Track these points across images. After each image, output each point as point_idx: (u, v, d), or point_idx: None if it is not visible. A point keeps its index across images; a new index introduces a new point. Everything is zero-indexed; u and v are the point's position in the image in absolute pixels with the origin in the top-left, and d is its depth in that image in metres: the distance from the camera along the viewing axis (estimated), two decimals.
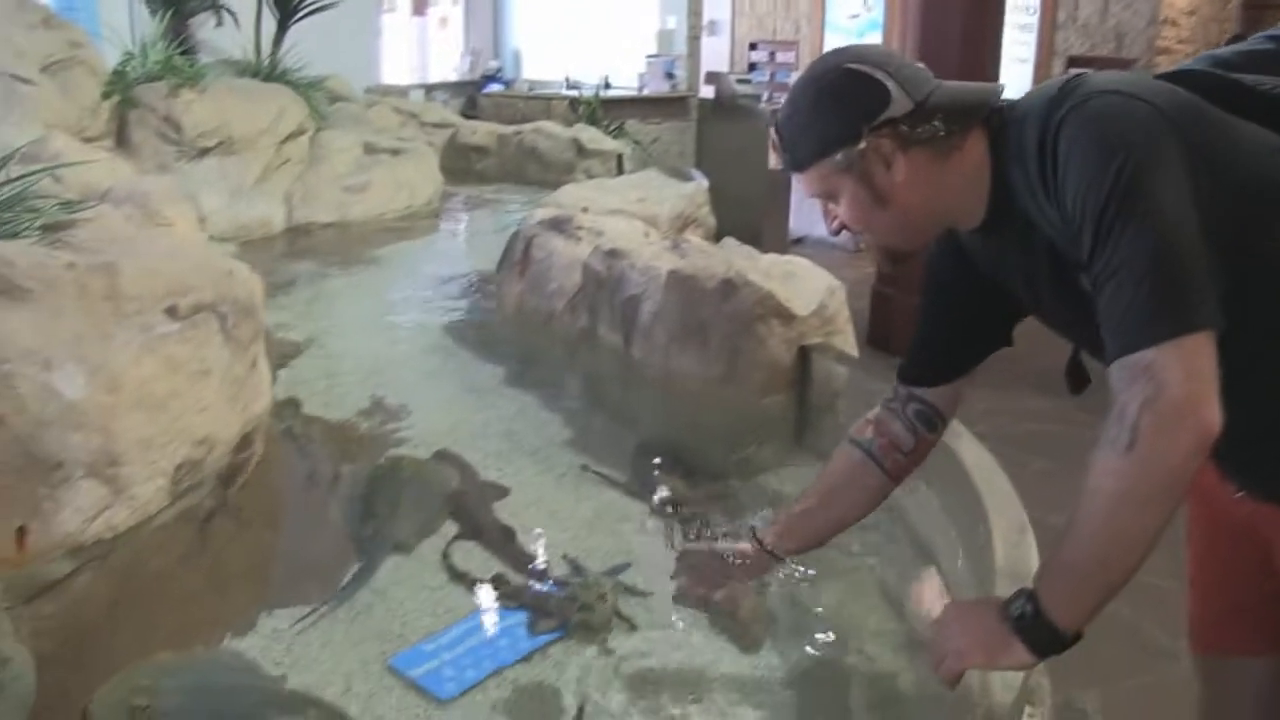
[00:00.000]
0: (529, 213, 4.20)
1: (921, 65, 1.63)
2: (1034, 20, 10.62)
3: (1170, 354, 1.32)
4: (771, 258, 3.30)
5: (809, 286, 3.12)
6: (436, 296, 4.38)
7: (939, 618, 1.61)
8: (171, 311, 2.33)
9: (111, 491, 2.17)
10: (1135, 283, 1.35)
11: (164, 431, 2.28)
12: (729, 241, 3.58)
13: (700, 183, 5.12)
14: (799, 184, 1.70)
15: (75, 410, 2.06)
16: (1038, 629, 1.42)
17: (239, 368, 2.59)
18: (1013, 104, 1.59)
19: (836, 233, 1.71)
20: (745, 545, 2.06)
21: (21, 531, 2.04)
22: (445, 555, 2.42)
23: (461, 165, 7.16)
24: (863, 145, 1.56)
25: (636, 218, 4.25)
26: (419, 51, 12.68)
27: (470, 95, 10.27)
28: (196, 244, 2.67)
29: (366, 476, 2.72)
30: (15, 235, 2.37)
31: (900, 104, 1.55)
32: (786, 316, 2.97)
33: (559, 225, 3.83)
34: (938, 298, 1.85)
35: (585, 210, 4.18)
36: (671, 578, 2.14)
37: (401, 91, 8.99)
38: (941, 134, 1.57)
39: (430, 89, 9.78)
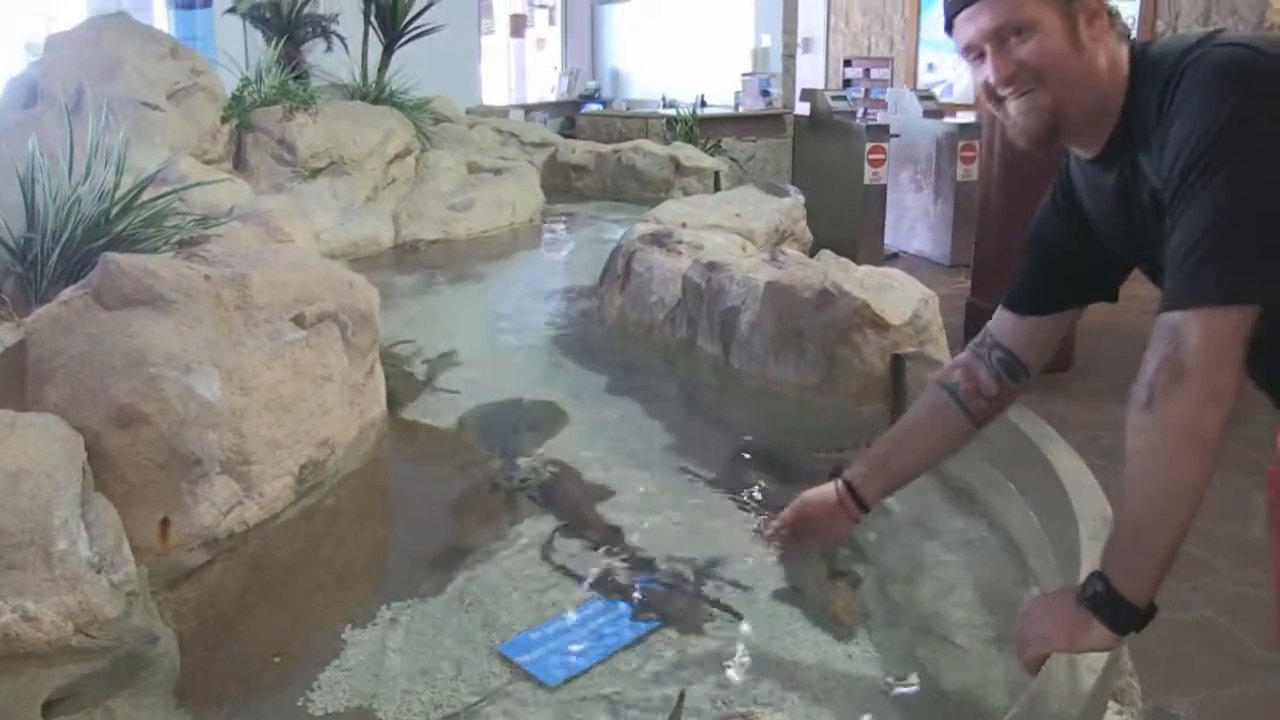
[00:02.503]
0: (629, 228, 4.32)
1: None
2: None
3: (1198, 321, 1.37)
4: (866, 269, 3.38)
5: (903, 296, 3.19)
6: (540, 309, 4.51)
7: (1023, 608, 1.67)
8: (298, 320, 2.49)
9: (243, 488, 2.33)
10: (1195, 240, 1.39)
11: (290, 433, 2.44)
12: (825, 254, 3.67)
13: (796, 198, 5.20)
14: (979, 18, 1.62)
15: (212, 411, 2.22)
16: (1111, 605, 1.46)
17: (357, 374, 2.74)
18: (1153, 42, 1.61)
19: (1008, 79, 1.62)
20: (827, 489, 2.05)
21: (164, 523, 2.21)
22: (547, 551, 2.53)
23: (561, 183, 7.33)
24: None
25: (734, 232, 4.36)
26: (517, 72, 12.95)
27: (568, 115, 10.46)
28: (318, 257, 2.82)
29: None
30: (156, 250, 2.56)
31: None
32: (881, 326, 3.04)
33: (659, 240, 3.95)
34: (1043, 241, 1.86)
35: (684, 225, 4.30)
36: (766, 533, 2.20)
37: (502, 112, 9.20)
38: (1111, 18, 1.60)
39: (529, 109, 9.98)
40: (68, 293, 2.32)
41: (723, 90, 9.82)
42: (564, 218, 6.57)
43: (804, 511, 2.07)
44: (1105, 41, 1.59)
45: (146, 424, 2.13)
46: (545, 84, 12.64)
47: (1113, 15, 1.60)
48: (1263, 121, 1.40)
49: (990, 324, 1.92)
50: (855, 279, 3.21)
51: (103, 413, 2.13)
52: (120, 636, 1.99)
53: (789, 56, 9.49)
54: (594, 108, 10.45)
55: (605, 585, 2.38)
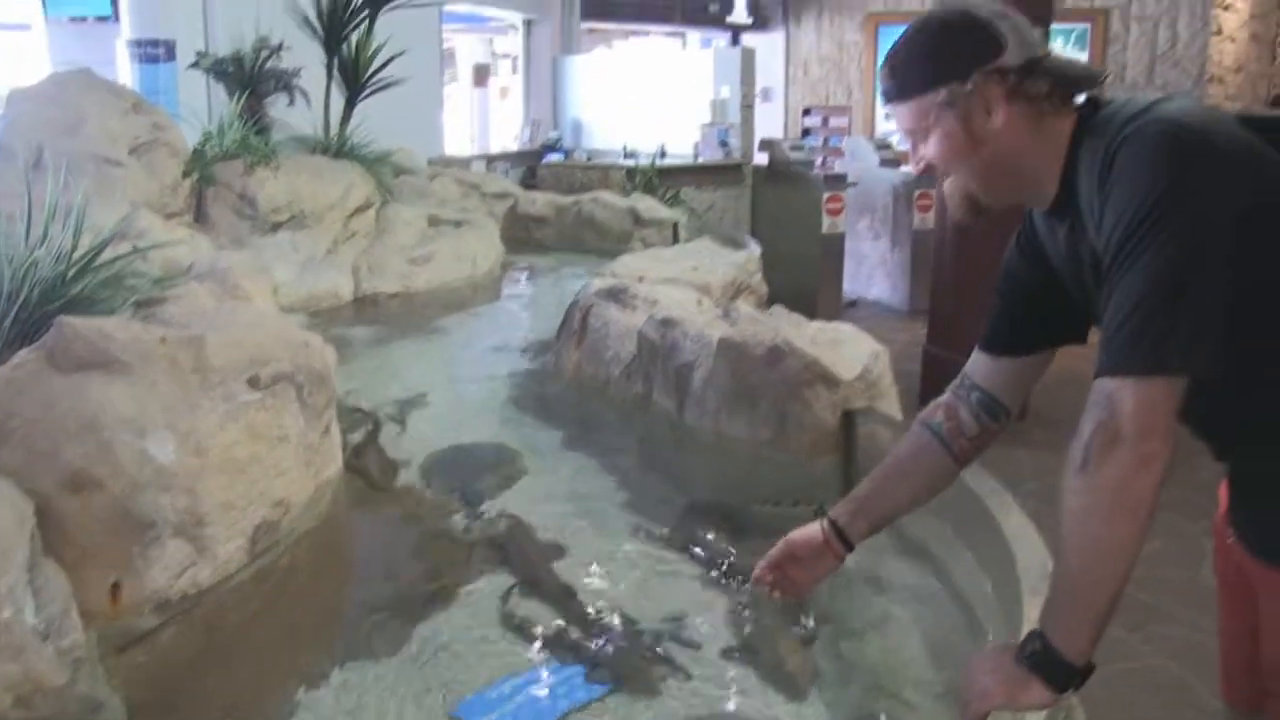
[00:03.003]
0: (586, 283, 4.36)
1: (1036, 31, 1.68)
2: None
3: (1131, 388, 1.42)
4: (818, 325, 3.43)
5: (854, 352, 3.23)
6: (499, 363, 4.53)
7: (966, 665, 1.70)
8: (253, 381, 2.50)
9: (196, 550, 2.34)
10: (1129, 309, 1.44)
11: (244, 494, 2.45)
12: (777, 309, 3.72)
13: (753, 250, 5.26)
14: (895, 116, 1.74)
15: (166, 474, 2.23)
16: (1049, 663, 1.49)
17: (313, 434, 2.76)
18: (1107, 101, 1.63)
19: (921, 172, 1.87)
20: (813, 529, 2.06)
21: (115, 587, 2.21)
22: (502, 609, 2.55)
23: (521, 234, 7.36)
24: (970, 86, 1.61)
25: (691, 286, 4.40)
26: (480, 122, 13.02)
27: (530, 165, 10.52)
28: (274, 316, 2.84)
29: None
30: (113, 311, 2.57)
31: (1013, 55, 1.60)
32: (832, 381, 3.09)
33: (615, 295, 3.99)
34: (1011, 284, 1.90)
35: (641, 280, 4.35)
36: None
37: (464, 162, 9.25)
38: (1044, 96, 1.61)
39: (491, 160, 10.03)
40: (21, 356, 2.33)
41: (682, 140, 9.92)
42: (524, 270, 6.61)
43: (789, 550, 2.08)
44: (1018, 125, 1.63)
45: (99, 488, 2.14)
46: (509, 133, 12.73)
47: (1034, 95, 1.62)
48: (1196, 196, 1.44)
49: (968, 365, 1.97)
50: (806, 335, 3.26)
51: (55, 477, 2.13)
52: (63, 706, 1.97)
53: (747, 107, 9.59)
54: (555, 158, 10.51)
55: (560, 645, 2.40)
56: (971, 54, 1.61)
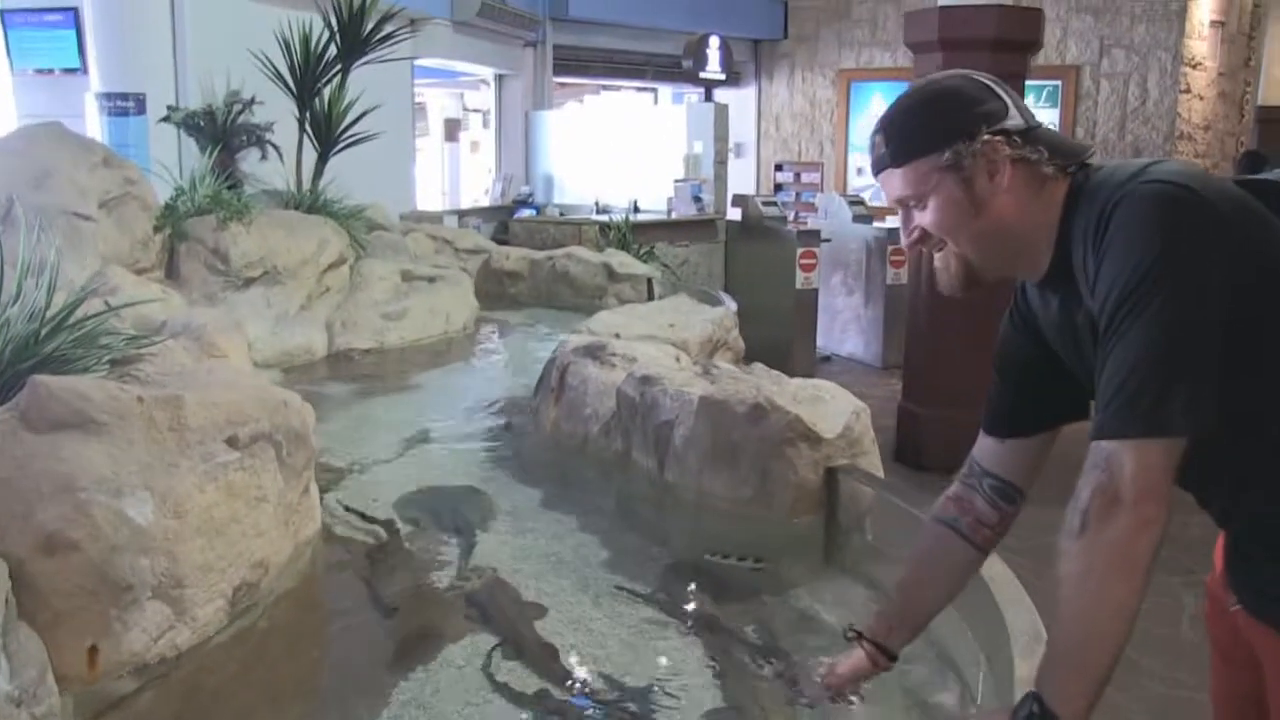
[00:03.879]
0: (563, 340, 4.34)
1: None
2: None
3: (1131, 452, 1.42)
4: (799, 382, 3.43)
5: (835, 409, 3.23)
6: (474, 421, 4.51)
7: None
8: (231, 441, 2.47)
9: (175, 613, 2.29)
10: (1126, 372, 1.44)
11: (223, 556, 2.41)
12: (758, 367, 3.72)
13: (729, 306, 5.27)
14: (886, 185, 1.71)
15: (144, 536, 2.19)
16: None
17: (292, 494, 2.72)
18: (1098, 168, 1.64)
19: (914, 243, 1.72)
20: (857, 656, 2.09)
21: (92, 651, 2.16)
22: (486, 668, 2.51)
23: (495, 290, 7.34)
24: (977, 145, 1.60)
25: (668, 343, 4.40)
26: (451, 177, 13.06)
27: (502, 220, 10.53)
28: (251, 374, 2.81)
29: None
30: (87, 370, 2.53)
31: (1016, 119, 1.62)
32: (814, 439, 3.08)
33: (593, 352, 3.98)
34: (1008, 363, 1.89)
35: (618, 336, 4.34)
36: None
37: (435, 217, 9.25)
38: (1044, 161, 1.62)
39: (463, 215, 10.04)
40: None
41: (655, 196, 9.97)
42: (498, 326, 6.59)
43: (849, 681, 2.13)
44: (1019, 189, 1.63)
45: (75, 550, 2.09)
46: (480, 187, 12.76)
47: (1034, 159, 1.62)
48: (1191, 259, 1.45)
49: (975, 451, 1.93)
50: (788, 393, 3.26)
51: (29, 539, 2.08)
52: None
53: (720, 163, 9.66)
54: (528, 213, 10.54)
55: (543, 706, 2.37)
56: (978, 113, 1.61)
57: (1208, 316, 1.45)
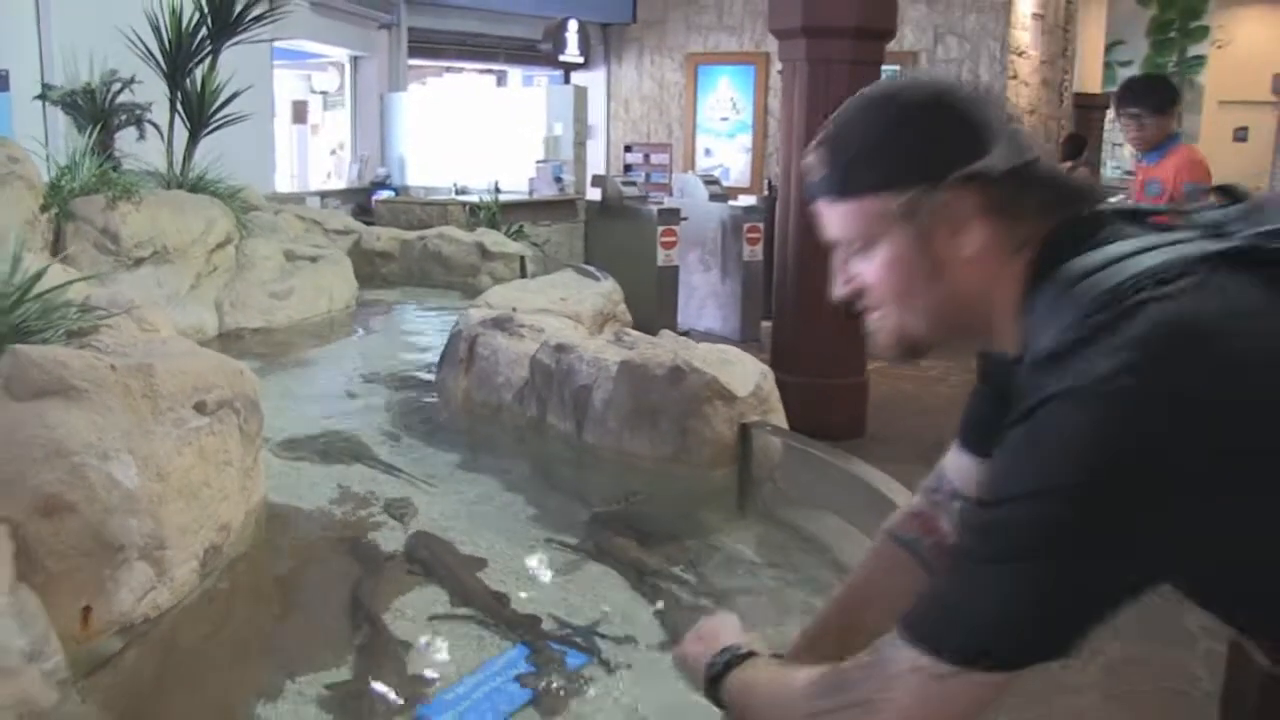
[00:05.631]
0: (464, 313, 4.49)
1: (1025, 127, 1.32)
2: None
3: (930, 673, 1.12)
4: (706, 347, 3.67)
5: (744, 371, 3.48)
6: (375, 393, 4.61)
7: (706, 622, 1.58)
8: (200, 407, 2.57)
9: (157, 573, 2.40)
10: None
11: (197, 518, 2.52)
12: (665, 333, 3.94)
13: (614, 282, 5.48)
14: (821, 217, 1.34)
15: (132, 498, 2.29)
16: (711, 681, 1.42)
17: (248, 459, 2.84)
18: (1086, 244, 1.20)
19: (848, 299, 1.37)
20: None
21: (86, 611, 2.26)
22: (437, 618, 2.67)
23: (366, 270, 7.38)
24: (942, 193, 1.22)
25: (564, 316, 4.59)
26: (298, 159, 12.94)
27: (359, 203, 10.53)
28: (202, 348, 2.90)
29: None
30: (47, 341, 2.60)
31: (999, 160, 1.22)
32: (729, 398, 3.33)
33: (501, 324, 4.15)
34: (994, 367, 1.44)
35: (514, 310, 4.51)
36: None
37: (298, 199, 9.22)
38: (1031, 214, 1.24)
39: (325, 196, 10.01)
40: None
41: (514, 177, 10.11)
42: (378, 304, 6.67)
43: None
44: (990, 251, 1.26)
45: (72, 512, 2.19)
46: (323, 169, 12.69)
47: (1021, 213, 1.25)
48: (1078, 524, 1.05)
49: (945, 467, 1.59)
50: (700, 356, 3.49)
51: (24, 503, 2.17)
52: None
53: (580, 144, 9.87)
54: (386, 194, 10.55)
55: (501, 646, 2.54)
56: (947, 151, 1.23)
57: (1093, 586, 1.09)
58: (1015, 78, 11.48)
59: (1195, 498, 1.05)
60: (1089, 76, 15.45)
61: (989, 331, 1.31)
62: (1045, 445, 1.08)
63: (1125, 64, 17.97)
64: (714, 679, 1.42)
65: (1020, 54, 11.61)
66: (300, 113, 13.41)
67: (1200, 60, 18.35)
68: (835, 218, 1.31)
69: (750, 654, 1.42)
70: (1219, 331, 1.06)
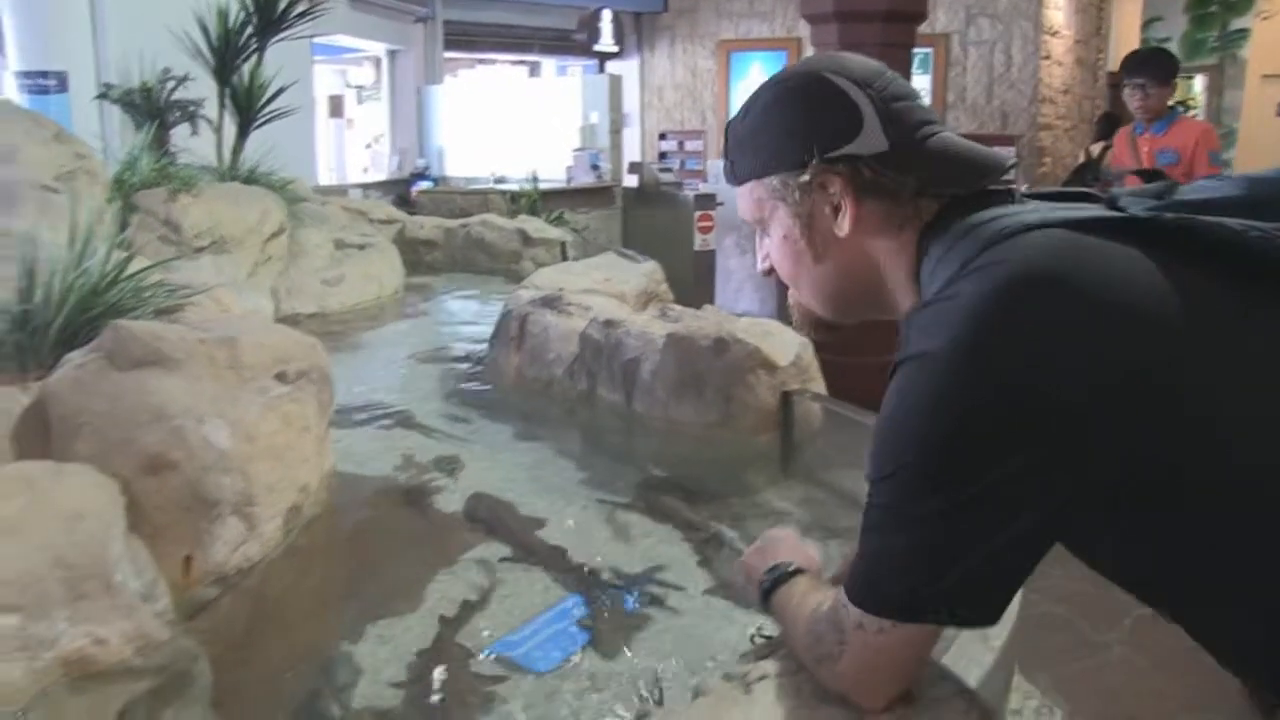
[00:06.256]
0: (514, 294, 4.69)
1: (925, 102, 1.36)
2: (926, 102, 11.42)
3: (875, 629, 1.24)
4: (748, 320, 3.85)
5: (783, 341, 3.65)
6: (429, 372, 4.82)
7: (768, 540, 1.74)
8: (281, 377, 2.78)
9: (247, 528, 2.60)
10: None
11: (282, 479, 2.72)
12: (709, 308, 4.12)
13: (655, 263, 5.65)
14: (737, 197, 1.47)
15: (226, 458, 2.50)
16: (764, 599, 1.60)
17: (320, 427, 3.04)
18: (976, 207, 1.25)
19: (766, 273, 1.48)
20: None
21: (188, 560, 2.47)
22: (505, 568, 2.86)
23: (411, 257, 7.58)
24: (806, 176, 1.30)
25: (609, 295, 4.77)
26: (336, 152, 13.19)
27: (399, 194, 10.76)
28: (274, 324, 3.11)
29: None
30: (139, 319, 2.81)
31: (871, 139, 1.28)
32: (771, 367, 3.50)
33: (550, 303, 4.34)
34: None
35: (562, 290, 4.70)
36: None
37: (340, 191, 9.45)
38: (909, 192, 1.28)
39: (367, 188, 10.25)
40: (79, 356, 2.57)
41: (550, 166, 10.30)
42: (425, 290, 6.89)
43: None
44: (871, 230, 1.32)
45: (174, 470, 2.40)
46: (358, 163, 12.95)
47: (899, 193, 1.30)
48: (983, 464, 1.09)
49: None
50: (742, 328, 3.67)
51: (133, 461, 2.38)
52: (169, 658, 2.25)
53: (616, 132, 10.05)
54: (425, 185, 10.77)
55: (562, 594, 2.72)
56: (814, 133, 1.29)
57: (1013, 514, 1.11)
58: (1048, 58, 11.55)
59: (1035, 447, 1.06)
60: (1125, 55, 15.44)
61: (887, 305, 1.37)
62: (897, 411, 1.15)
63: (1163, 41, 17.75)
64: (765, 594, 1.59)
65: (1054, 33, 11.66)
66: (337, 107, 13.66)
67: (1243, 34, 17.89)
68: (740, 202, 1.45)
69: (796, 571, 1.56)
70: (1062, 281, 1.08)
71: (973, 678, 1.74)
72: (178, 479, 2.41)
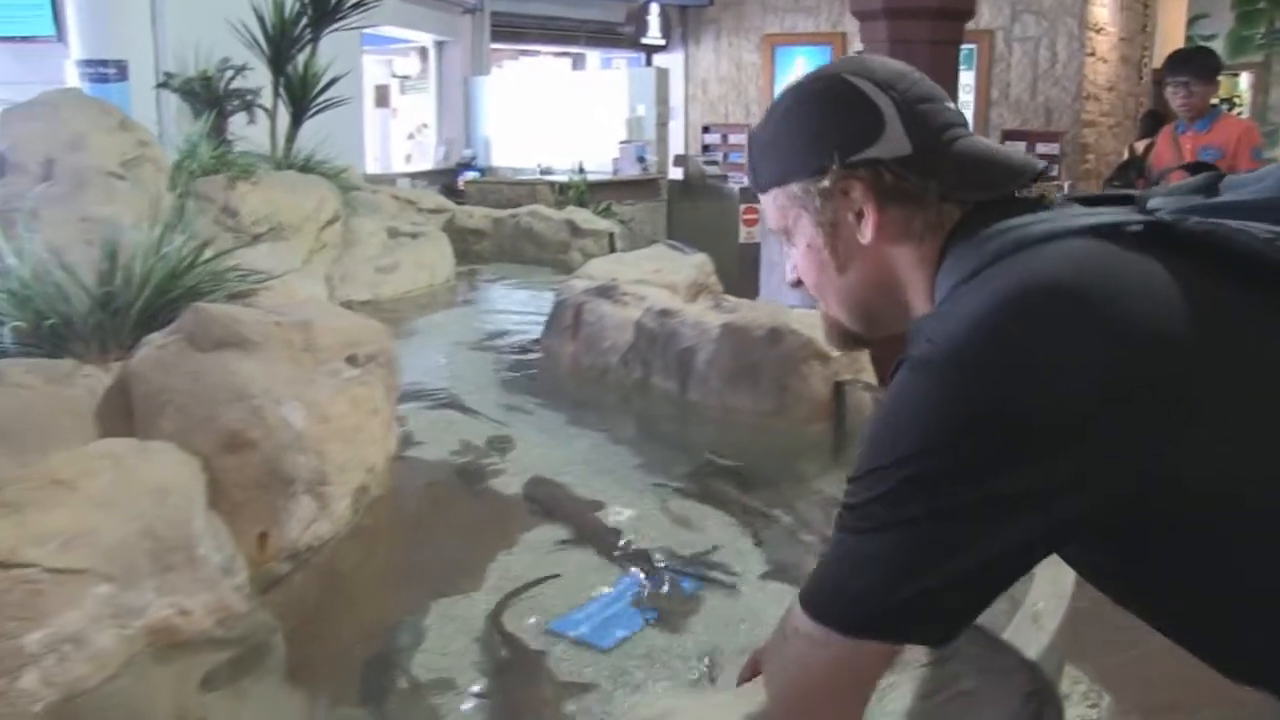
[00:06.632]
0: (568, 284, 4.76)
1: (953, 105, 1.29)
2: (970, 98, 11.44)
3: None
4: (800, 311, 3.89)
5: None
6: (482, 359, 4.89)
7: None
8: (351, 360, 2.86)
9: (319, 507, 2.69)
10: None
11: (352, 459, 2.81)
12: (762, 299, 4.18)
13: (704, 254, 5.71)
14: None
15: (301, 437, 2.59)
16: None
17: (387, 410, 3.12)
18: (1003, 215, 1.17)
19: (795, 284, 1.40)
20: None
21: (263, 536, 2.55)
22: (565, 548, 2.93)
23: (460, 247, 7.65)
24: (828, 182, 1.24)
25: (660, 286, 4.83)
26: (381, 142, 13.31)
27: (445, 184, 10.84)
28: (342, 309, 3.19)
29: None
30: (214, 302, 2.90)
31: (894, 143, 1.21)
32: (824, 357, 3.56)
33: (605, 293, 4.40)
34: None
35: (614, 281, 4.76)
36: None
37: (388, 180, 9.55)
38: (933, 197, 1.22)
39: (415, 177, 10.35)
40: (160, 338, 2.66)
41: (596, 157, 10.36)
42: (476, 279, 6.98)
43: None
44: (894, 237, 1.25)
45: (253, 448, 2.48)
46: (401, 152, 13.07)
47: (923, 198, 1.23)
48: (935, 482, 1.04)
49: None
50: (796, 318, 3.72)
51: (214, 439, 2.47)
52: (248, 630, 2.33)
53: (662, 125, 10.09)
54: (472, 175, 10.86)
55: (620, 574, 2.80)
56: (835, 138, 1.24)
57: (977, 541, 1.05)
58: (1093, 55, 11.48)
59: (1033, 464, 1.02)
60: (1170, 52, 15.35)
61: (910, 318, 1.27)
62: (891, 414, 1.09)
63: (1208, 38, 17.56)
64: None
65: (1098, 30, 11.59)
66: (383, 97, 13.77)
67: None
68: (765, 211, 1.37)
69: None
70: (1072, 293, 1.04)
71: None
72: (256, 457, 2.49)
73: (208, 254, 3.04)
